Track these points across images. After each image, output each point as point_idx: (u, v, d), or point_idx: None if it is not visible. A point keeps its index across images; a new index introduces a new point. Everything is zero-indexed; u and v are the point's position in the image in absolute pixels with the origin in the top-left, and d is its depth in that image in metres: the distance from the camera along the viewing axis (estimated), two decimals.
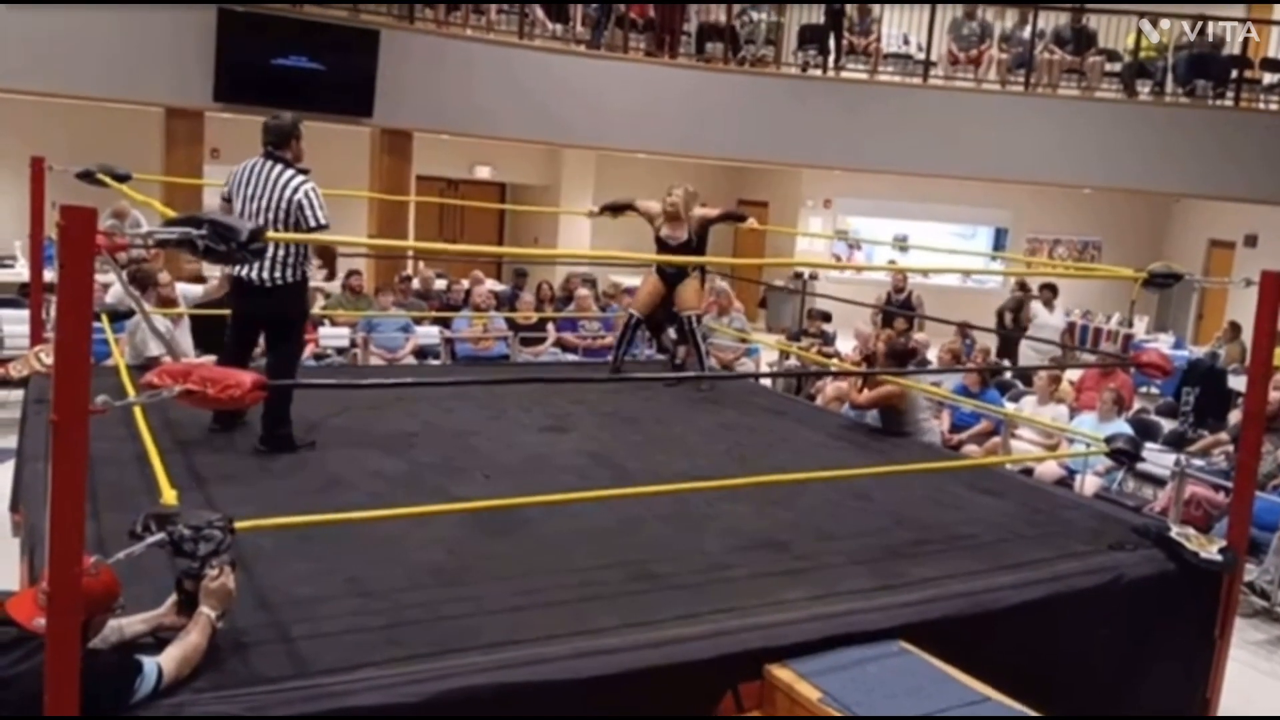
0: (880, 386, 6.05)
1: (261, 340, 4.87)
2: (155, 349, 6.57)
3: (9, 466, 5.44)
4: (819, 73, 13.70)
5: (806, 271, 14.42)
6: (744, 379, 8.23)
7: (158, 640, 2.61)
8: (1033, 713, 2.86)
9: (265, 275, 4.51)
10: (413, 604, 3.05)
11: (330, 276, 5.12)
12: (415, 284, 10.72)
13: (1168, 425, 8.39)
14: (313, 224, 4.43)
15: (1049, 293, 11.28)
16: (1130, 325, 14.13)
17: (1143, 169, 13.26)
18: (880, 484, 4.53)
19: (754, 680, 2.97)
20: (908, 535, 4.02)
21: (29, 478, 4.13)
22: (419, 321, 9.40)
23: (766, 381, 8.61)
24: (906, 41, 14.18)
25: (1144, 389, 10.81)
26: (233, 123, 11.38)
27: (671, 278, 6.64)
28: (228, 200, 4.65)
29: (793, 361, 9.76)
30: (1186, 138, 13.01)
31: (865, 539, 3.94)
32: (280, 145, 4.55)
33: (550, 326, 9.73)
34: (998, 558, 3.81)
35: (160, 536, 2.52)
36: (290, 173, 4.49)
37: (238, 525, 2.69)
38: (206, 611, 2.59)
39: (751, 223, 7.01)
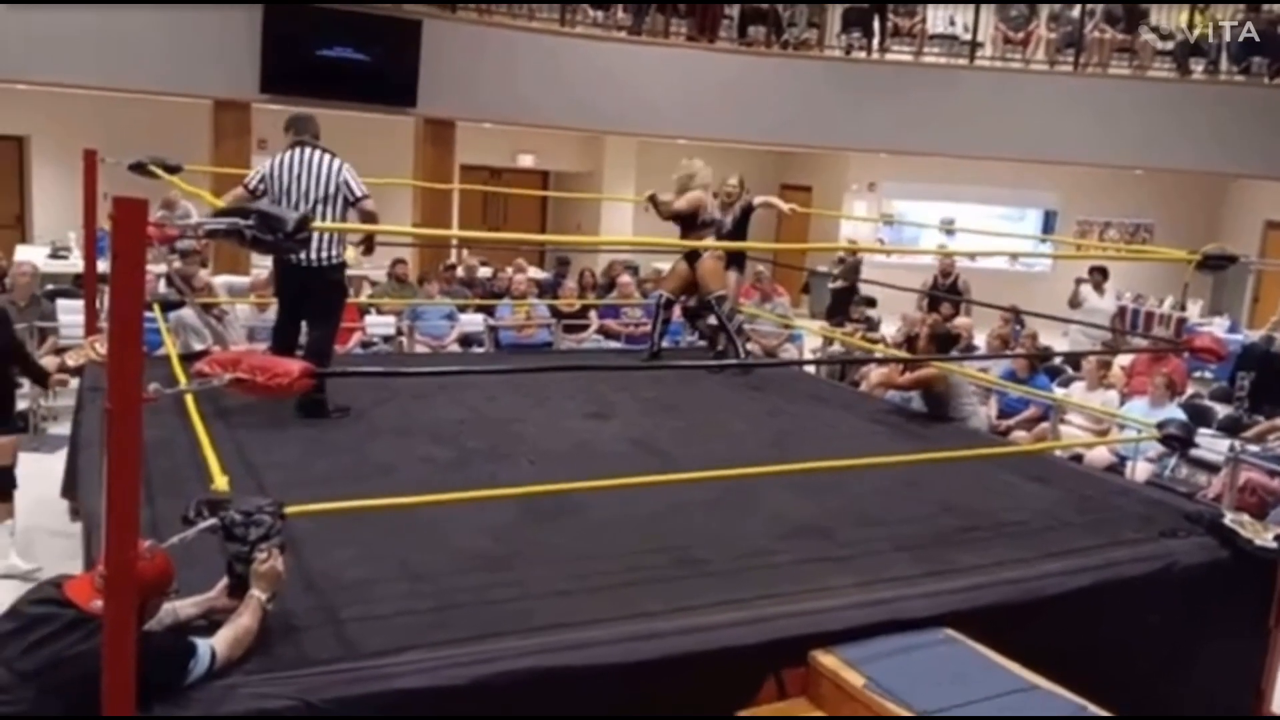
0: (919, 373, 5.99)
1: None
2: (198, 345, 6.72)
3: (64, 454, 5.58)
4: (863, 55, 13.55)
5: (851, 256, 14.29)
6: (787, 366, 8.19)
7: (210, 623, 2.66)
8: (1081, 700, 2.83)
9: (312, 256, 4.87)
10: (460, 588, 3.09)
11: (369, 251, 5.43)
12: (460, 272, 10.79)
13: (1222, 410, 8.21)
14: (359, 194, 4.96)
15: (1099, 276, 11.08)
16: (1184, 309, 13.84)
17: (1196, 149, 12.96)
18: (926, 470, 4.48)
19: (798, 666, 2.97)
20: (955, 522, 3.98)
21: (84, 465, 4.22)
22: (463, 309, 9.47)
23: (810, 367, 8.56)
24: (952, 22, 13.98)
25: (1198, 374, 10.59)
26: (280, 114, 11.48)
27: (696, 260, 6.73)
28: (252, 192, 5.02)
29: (836, 348, 9.69)
30: (1241, 117, 12.69)
31: (911, 526, 3.91)
32: (318, 135, 5.11)
33: (593, 314, 9.75)
34: (1046, 545, 3.77)
35: (212, 522, 2.57)
36: (329, 156, 5.01)
37: (287, 510, 2.73)
38: (257, 594, 2.64)
39: (790, 207, 6.98)
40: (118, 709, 2.25)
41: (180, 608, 2.69)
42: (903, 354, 8.77)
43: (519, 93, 12.08)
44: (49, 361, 6.71)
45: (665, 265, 12.46)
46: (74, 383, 5.77)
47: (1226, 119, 12.75)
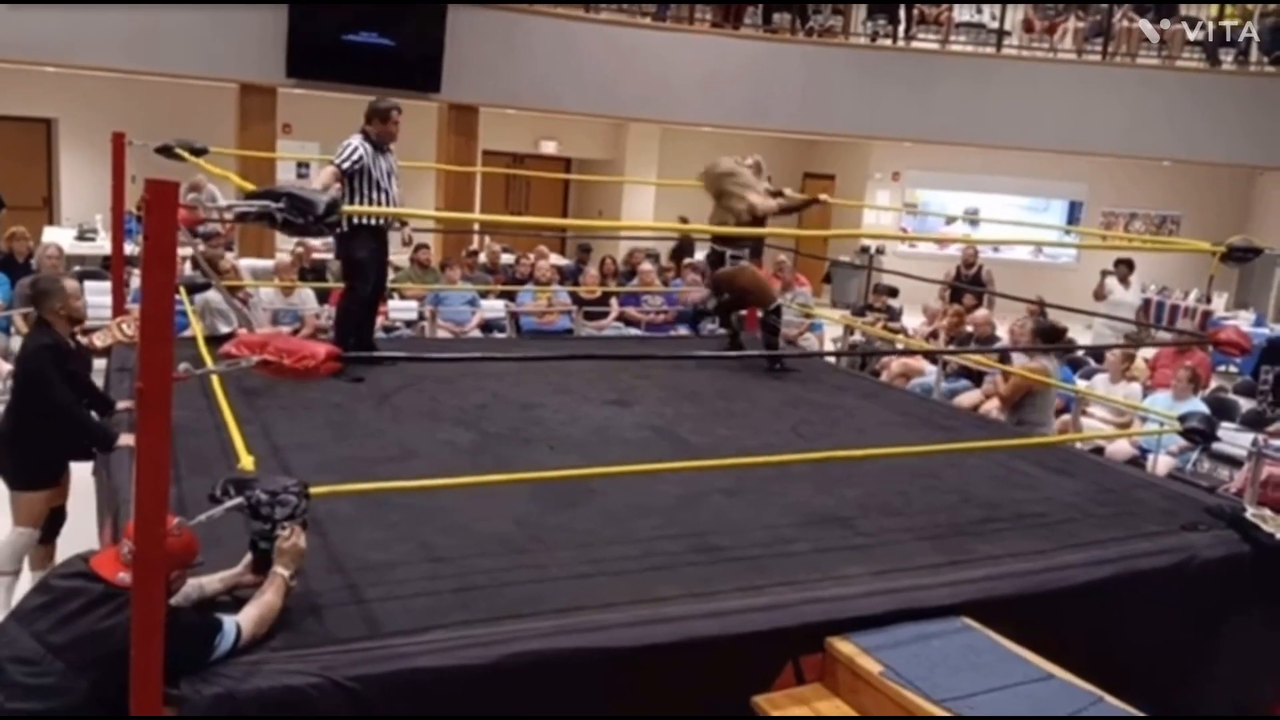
0: (1012, 380, 5.93)
1: None
2: (224, 328, 6.79)
3: None
4: (888, 43, 13.48)
5: (873, 245, 14.26)
6: (809, 357, 8.18)
7: (234, 599, 2.70)
8: (1098, 691, 2.84)
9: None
10: (480, 570, 3.12)
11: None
12: (482, 258, 10.83)
13: (1246, 404, 8.16)
14: (332, 162, 5.41)
15: (1125, 268, 10.99)
16: (1209, 302, 13.72)
17: (1225, 141, 12.84)
18: (947, 461, 4.49)
19: (816, 653, 2.99)
20: (974, 513, 3.98)
21: None
22: (485, 295, 9.50)
23: (830, 357, 8.55)
24: (979, 10, 13.88)
25: (1222, 367, 10.51)
26: (305, 98, 11.59)
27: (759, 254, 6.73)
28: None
29: (857, 337, 9.67)
30: (1271, 109, 12.57)
31: (931, 516, 3.92)
32: (365, 120, 5.52)
33: (614, 301, 9.77)
34: (1066, 536, 3.77)
35: (239, 500, 2.61)
36: (355, 135, 5.45)
37: (312, 491, 2.77)
38: (281, 571, 2.68)
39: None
40: (145, 683, 2.30)
41: (206, 584, 2.74)
42: (923, 345, 8.75)
43: (543, 79, 12.09)
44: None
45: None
46: (101, 364, 5.84)
47: (1256, 110, 12.61)
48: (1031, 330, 6.27)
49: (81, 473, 4.60)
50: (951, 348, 8.33)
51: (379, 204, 5.46)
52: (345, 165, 5.35)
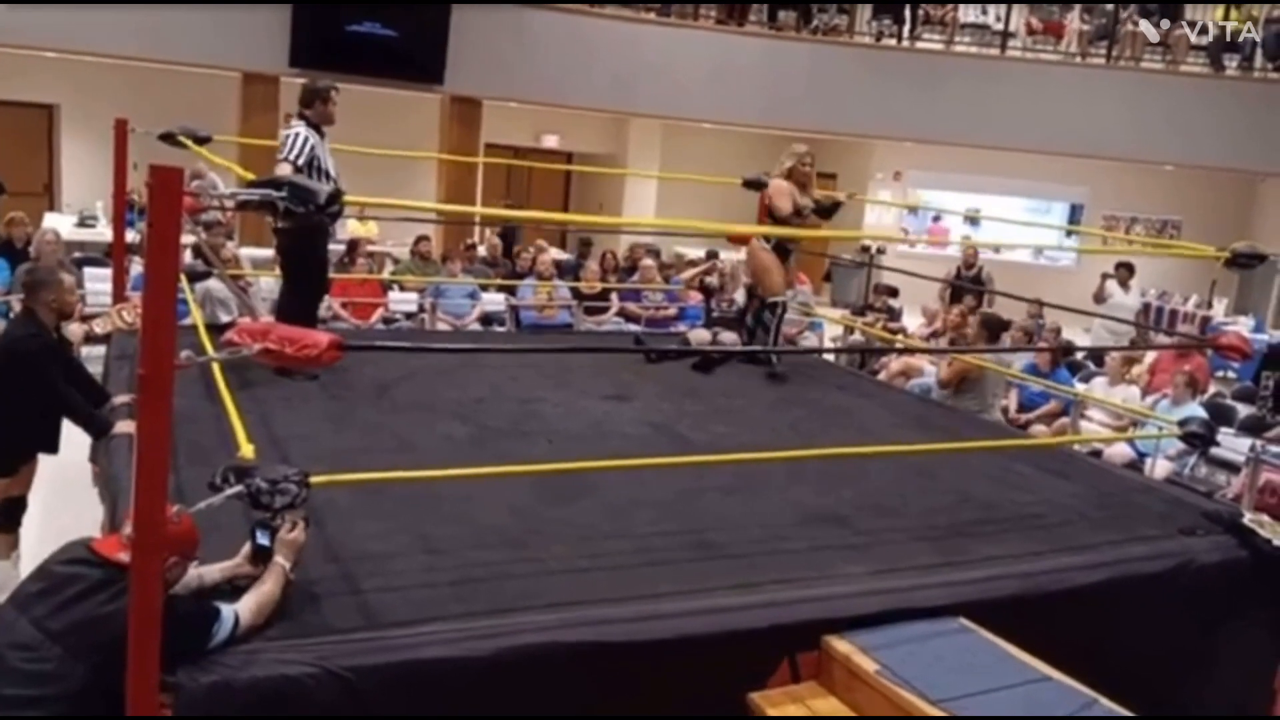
0: (955, 365, 6.00)
1: None
2: (224, 317, 6.79)
3: None
4: (893, 42, 13.47)
5: (873, 245, 14.25)
6: (808, 354, 8.18)
7: (233, 588, 2.70)
8: (1093, 693, 2.84)
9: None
10: (479, 563, 3.12)
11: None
12: (482, 251, 10.82)
13: (1244, 410, 8.17)
14: (279, 156, 5.10)
15: (1125, 271, 11.01)
16: (1209, 307, 13.73)
17: (1228, 146, 12.84)
18: (945, 461, 4.49)
19: (812, 651, 2.99)
20: (972, 514, 3.98)
21: None
22: (485, 288, 9.50)
23: (830, 356, 8.55)
24: (984, 12, 13.88)
25: (1221, 373, 10.53)
26: None
27: (789, 254, 6.41)
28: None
29: (857, 336, 9.67)
30: (1275, 114, 12.56)
31: (928, 516, 3.91)
32: (301, 104, 5.26)
33: (614, 296, 9.77)
34: (1063, 539, 3.77)
35: (239, 488, 2.61)
36: (295, 123, 5.23)
37: (312, 480, 2.77)
38: (281, 562, 2.68)
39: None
40: (143, 669, 2.30)
41: (205, 573, 2.74)
42: (925, 345, 8.75)
43: (546, 73, 12.08)
44: (74, 329, 6.79)
45: (689, 251, 12.48)
46: (100, 350, 5.83)
47: (1259, 115, 12.62)
48: (979, 323, 6.37)
49: (52, 465, 4.60)
50: (949, 347, 8.33)
51: None
52: (300, 160, 5.06)
